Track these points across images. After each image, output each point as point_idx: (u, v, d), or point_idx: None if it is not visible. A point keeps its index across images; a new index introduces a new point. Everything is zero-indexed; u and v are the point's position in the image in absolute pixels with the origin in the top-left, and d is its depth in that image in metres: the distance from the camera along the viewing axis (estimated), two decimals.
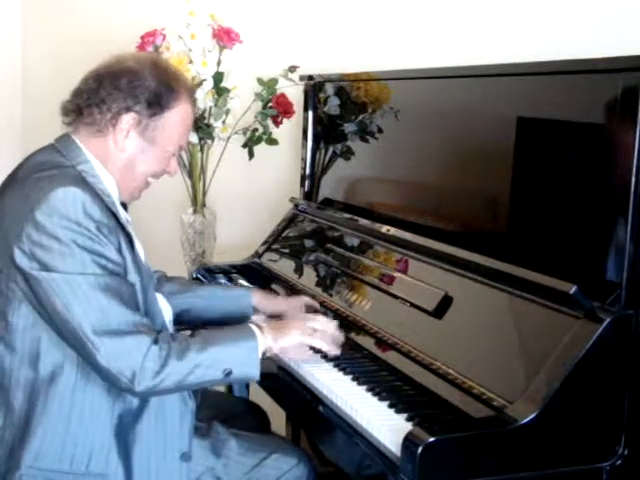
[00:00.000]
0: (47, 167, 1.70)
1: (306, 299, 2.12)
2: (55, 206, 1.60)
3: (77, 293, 1.59)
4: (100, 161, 1.75)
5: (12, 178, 1.75)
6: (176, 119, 1.79)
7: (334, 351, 1.81)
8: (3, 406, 1.68)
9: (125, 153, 1.76)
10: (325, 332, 1.82)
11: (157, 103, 1.75)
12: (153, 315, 1.76)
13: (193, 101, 1.87)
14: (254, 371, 1.69)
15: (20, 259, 1.60)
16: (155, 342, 1.61)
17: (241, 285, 2.44)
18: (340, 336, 1.85)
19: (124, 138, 1.75)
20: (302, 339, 1.78)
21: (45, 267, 1.59)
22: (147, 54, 1.83)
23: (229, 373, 1.66)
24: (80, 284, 1.59)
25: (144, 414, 1.70)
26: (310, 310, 2.08)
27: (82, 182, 1.68)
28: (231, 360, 1.67)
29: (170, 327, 1.92)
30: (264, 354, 1.71)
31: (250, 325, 1.75)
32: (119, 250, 1.66)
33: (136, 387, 1.60)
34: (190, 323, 2.07)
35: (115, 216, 1.69)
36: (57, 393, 1.65)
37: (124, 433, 1.69)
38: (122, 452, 1.68)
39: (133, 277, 1.70)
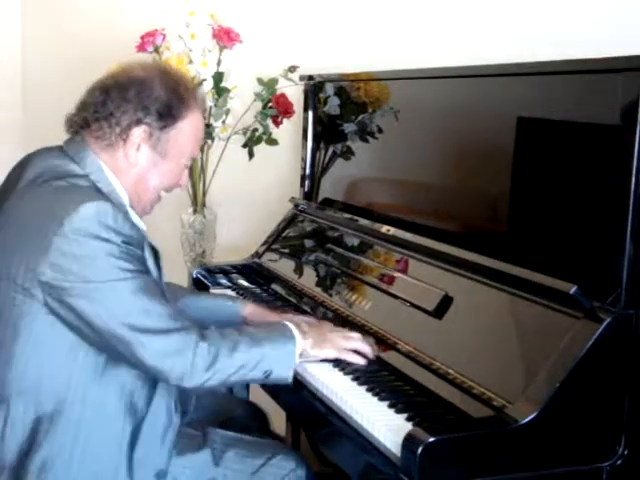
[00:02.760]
0: (62, 175, 1.65)
1: (298, 318, 2.03)
2: (86, 221, 1.55)
3: (118, 298, 1.57)
4: (113, 173, 1.70)
5: (17, 180, 1.69)
6: (189, 129, 1.74)
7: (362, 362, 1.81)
8: (5, 419, 1.63)
9: (137, 168, 1.72)
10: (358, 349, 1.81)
11: (169, 114, 1.69)
12: None
13: (203, 109, 1.81)
14: (289, 374, 1.71)
15: (51, 273, 1.55)
16: (202, 338, 1.61)
17: (234, 297, 2.33)
18: (371, 353, 1.82)
19: (135, 152, 1.70)
20: (337, 356, 1.79)
21: (82, 278, 1.56)
22: (155, 63, 1.78)
23: (269, 374, 1.68)
24: (120, 289, 1.57)
25: (142, 431, 1.68)
26: None
27: (104, 195, 1.64)
28: (272, 362, 1.68)
29: None
30: (300, 355, 1.73)
31: (291, 328, 1.75)
32: (143, 256, 1.65)
33: (185, 383, 1.60)
34: None
35: (138, 229, 1.67)
36: (64, 409, 1.62)
37: (130, 452, 1.66)
38: (128, 471, 1.66)
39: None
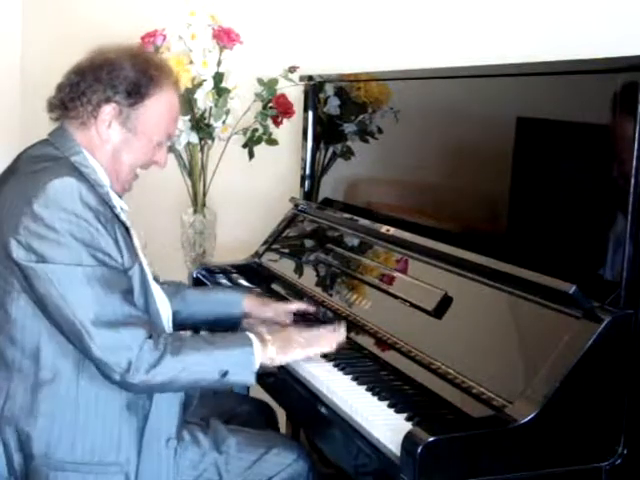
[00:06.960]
0: (42, 160, 1.72)
1: (297, 305, 2.13)
2: (52, 197, 1.61)
3: (74, 283, 1.61)
4: (89, 152, 1.76)
5: (9, 173, 1.76)
6: (159, 107, 1.78)
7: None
8: (5, 396, 1.69)
9: (109, 144, 1.76)
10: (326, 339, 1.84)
11: (137, 92, 1.75)
12: (155, 312, 1.78)
13: (177, 89, 1.86)
14: (250, 375, 1.71)
15: (17, 251, 1.62)
16: (150, 336, 1.63)
17: (236, 287, 2.41)
18: (343, 339, 1.86)
19: (106, 129, 1.75)
20: (304, 355, 1.80)
21: (42, 258, 1.60)
22: (130, 45, 1.86)
23: (225, 374, 1.67)
24: (77, 274, 1.61)
25: (152, 402, 1.73)
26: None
27: (76, 172, 1.69)
28: (227, 361, 1.68)
29: (169, 326, 1.91)
30: (265, 365, 1.73)
31: (247, 333, 1.76)
32: (116, 241, 1.67)
33: (130, 379, 1.61)
34: (179, 326, 2.07)
35: (110, 208, 1.71)
36: (61, 384, 1.67)
37: (133, 421, 1.71)
38: (133, 440, 1.70)
39: (131, 268, 1.71)
